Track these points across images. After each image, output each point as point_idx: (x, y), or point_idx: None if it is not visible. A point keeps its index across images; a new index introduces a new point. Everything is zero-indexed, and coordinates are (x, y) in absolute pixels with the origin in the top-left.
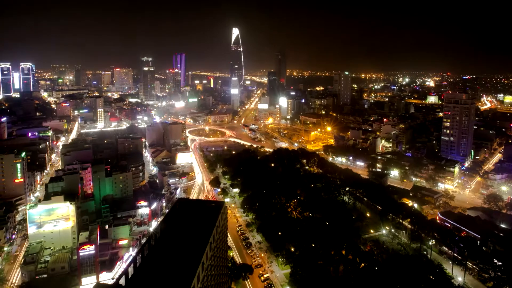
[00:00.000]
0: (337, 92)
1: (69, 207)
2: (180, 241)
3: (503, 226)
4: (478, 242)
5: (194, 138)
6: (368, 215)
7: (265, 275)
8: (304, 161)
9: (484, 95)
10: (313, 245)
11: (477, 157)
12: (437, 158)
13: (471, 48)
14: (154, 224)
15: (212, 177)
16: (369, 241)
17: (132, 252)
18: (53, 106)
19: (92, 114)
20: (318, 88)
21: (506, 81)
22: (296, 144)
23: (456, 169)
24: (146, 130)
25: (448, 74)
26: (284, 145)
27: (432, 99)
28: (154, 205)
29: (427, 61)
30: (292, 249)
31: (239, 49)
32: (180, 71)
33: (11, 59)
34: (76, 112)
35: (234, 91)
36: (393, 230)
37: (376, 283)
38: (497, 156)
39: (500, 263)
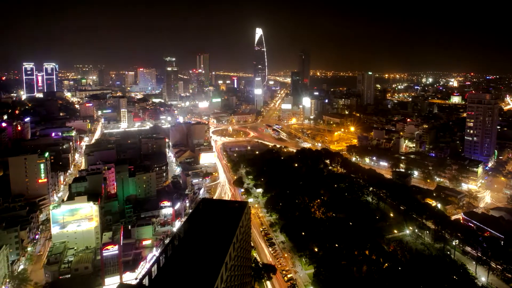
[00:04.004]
0: (361, 92)
1: (92, 207)
2: (203, 241)
3: None
4: (502, 242)
5: (217, 138)
6: (391, 215)
7: (289, 275)
8: (328, 161)
9: (507, 95)
10: (336, 245)
11: (501, 157)
12: (461, 158)
13: (494, 48)
14: (177, 224)
15: (235, 177)
16: (393, 241)
17: (156, 252)
18: (77, 106)
19: (115, 114)
20: (341, 88)
21: None
22: (319, 144)
23: (480, 169)
24: (169, 130)
25: (472, 74)
26: (307, 145)
27: (456, 99)
28: (178, 205)
29: (450, 61)
30: (316, 249)
31: (262, 49)
32: (203, 71)
33: (34, 59)
34: (99, 112)
35: (258, 91)
36: (416, 230)
37: (399, 283)
38: None
39: None
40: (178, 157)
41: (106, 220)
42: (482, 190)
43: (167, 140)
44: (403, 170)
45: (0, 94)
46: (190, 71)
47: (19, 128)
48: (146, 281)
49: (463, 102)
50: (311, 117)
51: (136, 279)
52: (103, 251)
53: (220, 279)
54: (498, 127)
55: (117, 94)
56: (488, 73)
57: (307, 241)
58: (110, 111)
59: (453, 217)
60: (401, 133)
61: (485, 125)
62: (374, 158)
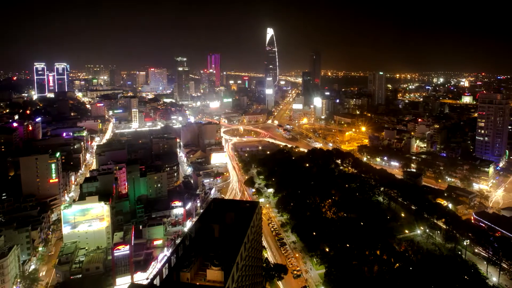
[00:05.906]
0: (372, 92)
1: (103, 207)
2: (214, 242)
3: None
4: None
5: (228, 138)
6: (402, 215)
7: (300, 275)
8: (339, 161)
9: None
10: (347, 245)
11: None
12: (472, 158)
13: (505, 47)
14: (188, 224)
15: (246, 177)
16: (404, 241)
17: (167, 252)
18: (88, 106)
19: (126, 114)
20: (352, 88)
21: None
22: (330, 144)
23: (491, 169)
24: (180, 130)
25: (483, 74)
26: (318, 145)
27: (467, 99)
28: (189, 205)
29: (461, 61)
30: (327, 249)
31: (273, 49)
32: (214, 71)
33: (45, 59)
34: (110, 112)
35: (269, 91)
36: (427, 230)
37: (410, 283)
38: None
39: None
40: (189, 157)
41: (117, 220)
42: (493, 190)
43: (178, 140)
44: (414, 170)
45: (12, 94)
46: (201, 71)
47: (30, 128)
48: (157, 281)
49: (474, 102)
50: (322, 117)
51: (147, 279)
52: (114, 251)
53: (231, 279)
54: (510, 127)
55: (128, 94)
56: (499, 73)
57: (318, 241)
58: (121, 111)
59: (464, 217)
60: (412, 133)
61: (496, 125)
62: (385, 158)
